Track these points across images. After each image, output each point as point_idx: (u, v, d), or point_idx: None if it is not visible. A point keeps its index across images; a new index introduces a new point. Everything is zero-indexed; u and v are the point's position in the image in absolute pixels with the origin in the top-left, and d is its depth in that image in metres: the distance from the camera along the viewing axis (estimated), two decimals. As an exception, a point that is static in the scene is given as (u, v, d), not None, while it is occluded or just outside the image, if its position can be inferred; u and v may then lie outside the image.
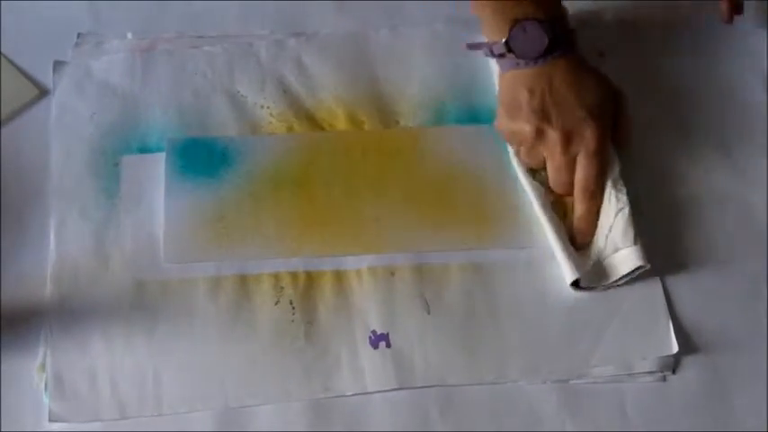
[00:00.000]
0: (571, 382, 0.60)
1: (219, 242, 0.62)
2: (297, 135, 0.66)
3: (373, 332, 0.60)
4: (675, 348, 0.59)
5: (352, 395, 0.59)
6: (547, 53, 0.62)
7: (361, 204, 0.64)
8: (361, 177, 0.65)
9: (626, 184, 0.64)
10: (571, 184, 0.62)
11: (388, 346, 0.60)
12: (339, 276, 0.62)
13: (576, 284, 0.60)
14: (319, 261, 0.62)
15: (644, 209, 0.64)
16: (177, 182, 0.64)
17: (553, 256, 0.62)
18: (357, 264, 0.62)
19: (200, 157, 0.65)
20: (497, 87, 0.65)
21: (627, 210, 0.61)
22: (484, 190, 0.64)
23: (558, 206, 0.64)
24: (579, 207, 0.62)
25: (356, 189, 0.64)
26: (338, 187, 0.64)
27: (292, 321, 0.61)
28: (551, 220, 0.62)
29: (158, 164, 0.65)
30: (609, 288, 0.61)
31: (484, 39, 0.66)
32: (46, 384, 0.58)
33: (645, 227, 0.63)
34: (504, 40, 0.62)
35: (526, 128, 0.61)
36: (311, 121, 0.67)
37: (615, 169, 0.63)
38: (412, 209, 0.64)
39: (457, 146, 0.66)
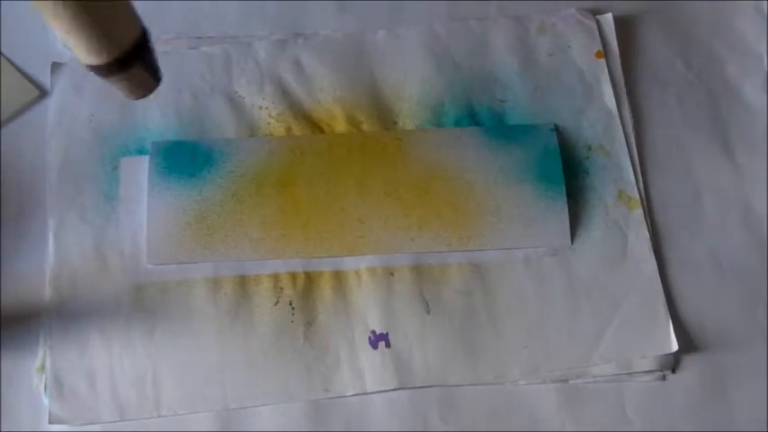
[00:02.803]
0: (571, 381, 0.60)
1: (202, 243, 0.62)
2: (280, 137, 0.66)
3: (373, 332, 0.60)
4: (675, 347, 0.59)
5: (352, 395, 0.59)
6: None
7: (344, 205, 0.64)
8: (345, 179, 0.64)
9: (628, 185, 0.65)
10: None
11: (388, 346, 0.60)
12: (338, 277, 0.62)
13: None
14: (318, 262, 0.62)
15: (645, 208, 0.64)
16: (160, 183, 0.64)
17: (552, 254, 0.62)
18: (356, 264, 0.62)
19: (184, 159, 0.65)
20: None
21: None
22: (468, 192, 0.64)
23: None
24: None
25: (340, 190, 0.64)
26: (321, 188, 0.64)
27: (292, 322, 0.61)
28: None
29: (157, 165, 0.65)
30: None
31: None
32: (45, 386, 0.58)
33: (646, 226, 0.63)
34: None
35: None
36: (310, 121, 0.67)
37: None
38: (395, 210, 0.64)
39: (441, 148, 0.66)
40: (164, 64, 0.68)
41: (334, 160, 0.65)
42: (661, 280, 0.62)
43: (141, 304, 0.61)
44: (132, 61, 0.44)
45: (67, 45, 0.43)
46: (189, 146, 0.65)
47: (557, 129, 0.67)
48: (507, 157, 0.65)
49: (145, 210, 0.63)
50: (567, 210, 0.63)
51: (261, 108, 0.68)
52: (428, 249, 0.63)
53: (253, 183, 0.64)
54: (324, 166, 0.65)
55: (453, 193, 0.64)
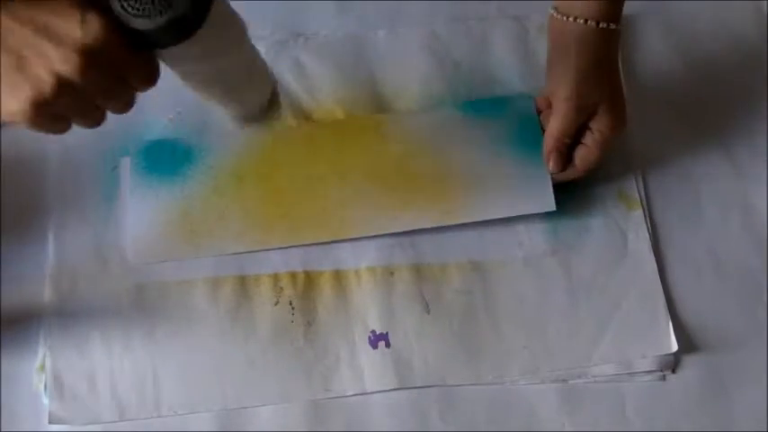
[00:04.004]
0: (571, 381, 0.60)
1: (186, 239, 0.62)
2: (257, 129, 0.66)
3: (373, 332, 0.60)
4: (675, 347, 0.59)
5: (352, 395, 0.59)
6: None
7: (325, 190, 0.63)
8: (324, 164, 0.64)
9: (628, 185, 0.65)
10: None
11: (388, 345, 0.60)
12: (338, 276, 0.62)
13: None
14: (318, 261, 0.62)
15: (644, 208, 0.64)
16: (142, 183, 0.64)
17: (552, 254, 0.63)
18: (356, 263, 0.62)
19: (164, 157, 0.65)
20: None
21: None
22: (448, 167, 0.64)
23: None
24: None
25: (320, 176, 0.64)
26: (301, 175, 0.64)
27: (292, 322, 0.61)
28: None
29: (157, 165, 0.65)
30: None
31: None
32: (45, 386, 0.58)
33: (646, 226, 0.63)
34: None
35: None
36: (310, 121, 0.67)
37: None
38: (377, 191, 0.63)
39: (418, 128, 0.66)
40: (163, 64, 0.69)
41: (313, 147, 0.65)
42: (661, 280, 0.62)
43: (141, 304, 0.61)
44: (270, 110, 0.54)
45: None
46: (168, 144, 0.65)
47: (533, 98, 0.66)
48: (485, 130, 0.65)
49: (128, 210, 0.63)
50: (549, 174, 0.63)
51: (261, 108, 0.68)
52: (412, 226, 0.62)
53: (233, 176, 0.64)
54: (302, 154, 0.65)
55: (434, 170, 0.64)
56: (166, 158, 0.65)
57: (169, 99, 0.67)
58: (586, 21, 0.57)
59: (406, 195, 0.63)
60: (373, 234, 0.62)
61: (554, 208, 0.62)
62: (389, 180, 0.64)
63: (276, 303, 0.61)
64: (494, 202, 0.63)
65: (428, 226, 0.63)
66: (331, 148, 0.65)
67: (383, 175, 0.64)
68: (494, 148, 0.64)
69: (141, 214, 0.63)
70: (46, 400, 0.58)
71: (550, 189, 0.63)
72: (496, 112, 0.66)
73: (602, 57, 0.59)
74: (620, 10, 0.58)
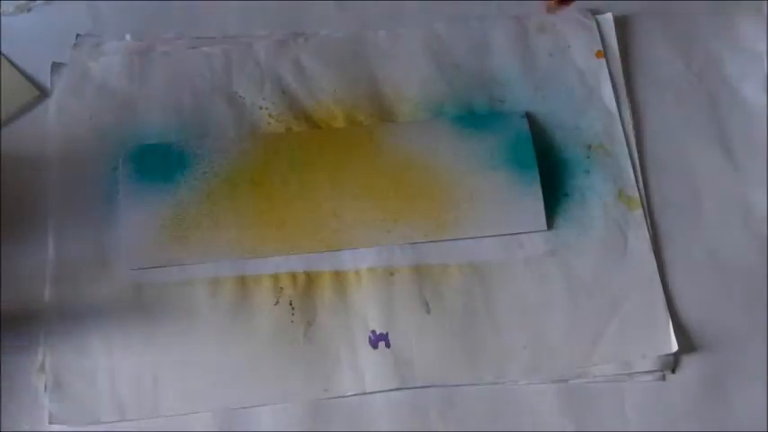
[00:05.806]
0: (571, 381, 0.60)
1: (179, 246, 0.62)
2: (253, 136, 0.66)
3: (373, 332, 0.60)
4: (675, 347, 0.59)
5: (352, 395, 0.59)
6: None
7: (319, 201, 0.63)
8: (318, 173, 0.64)
9: (628, 186, 0.65)
10: None
11: (388, 346, 0.60)
12: (338, 276, 0.62)
13: None
14: (318, 261, 0.62)
15: (645, 208, 0.64)
16: (134, 189, 0.64)
17: (552, 254, 0.63)
18: (356, 264, 0.62)
19: (157, 163, 0.65)
20: None
21: None
22: (441, 181, 0.64)
23: None
24: None
25: (313, 185, 0.64)
26: (295, 184, 0.64)
27: (292, 322, 0.61)
28: None
29: (156, 165, 0.65)
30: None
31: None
32: (45, 386, 0.58)
33: (646, 226, 0.63)
34: None
35: None
36: (310, 121, 0.67)
37: None
38: (370, 203, 0.63)
39: (412, 139, 0.66)
40: (163, 64, 0.69)
41: (307, 156, 0.65)
42: (661, 280, 0.62)
43: (141, 304, 0.61)
44: None
45: None
46: (161, 149, 0.65)
47: (527, 116, 0.66)
48: (479, 145, 0.65)
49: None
50: (541, 194, 0.63)
51: (261, 108, 0.68)
52: (404, 240, 0.63)
53: (227, 183, 0.64)
54: (297, 163, 0.65)
55: (427, 183, 0.64)
56: (159, 164, 0.65)
57: (170, 99, 0.67)
58: None
59: (399, 209, 0.63)
60: (366, 247, 0.63)
61: (545, 228, 0.63)
62: (383, 192, 0.64)
63: (276, 303, 0.61)
64: (486, 219, 0.63)
65: (420, 240, 0.63)
66: (326, 157, 0.65)
67: (376, 188, 0.64)
68: (487, 164, 0.65)
69: (134, 221, 0.63)
70: (46, 400, 0.58)
71: (542, 208, 0.63)
72: (490, 129, 0.66)
73: None
74: None
